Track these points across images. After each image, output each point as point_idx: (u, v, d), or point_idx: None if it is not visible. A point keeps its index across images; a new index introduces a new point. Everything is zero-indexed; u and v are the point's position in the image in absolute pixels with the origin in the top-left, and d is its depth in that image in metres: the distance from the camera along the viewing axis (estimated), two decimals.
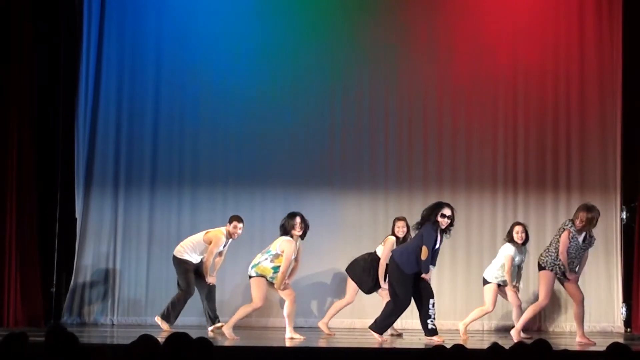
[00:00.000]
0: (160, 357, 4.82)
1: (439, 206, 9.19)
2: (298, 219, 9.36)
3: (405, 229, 10.13)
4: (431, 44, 11.43)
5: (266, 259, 9.33)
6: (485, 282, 9.94)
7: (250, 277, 9.38)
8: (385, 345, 9.01)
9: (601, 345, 8.55)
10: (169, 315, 10.13)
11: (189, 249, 10.21)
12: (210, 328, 10.10)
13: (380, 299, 10.13)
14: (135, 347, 4.86)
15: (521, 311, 9.84)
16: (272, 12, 11.47)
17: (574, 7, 11.42)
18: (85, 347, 5.13)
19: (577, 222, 9.13)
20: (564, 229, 9.17)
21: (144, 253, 11.26)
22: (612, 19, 11.34)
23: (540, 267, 9.27)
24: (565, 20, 11.42)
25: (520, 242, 9.85)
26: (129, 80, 11.40)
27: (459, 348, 5.06)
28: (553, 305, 10.94)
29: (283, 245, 9.31)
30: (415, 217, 10.55)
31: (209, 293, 10.24)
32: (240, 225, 10.21)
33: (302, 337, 9.31)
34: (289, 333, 9.37)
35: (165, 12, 11.46)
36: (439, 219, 9.09)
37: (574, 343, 9.22)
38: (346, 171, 11.38)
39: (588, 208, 9.17)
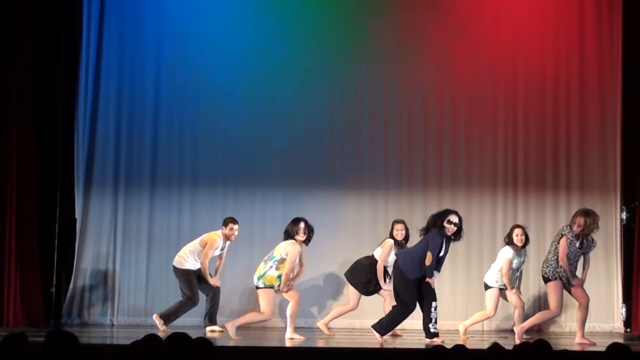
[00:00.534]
0: (163, 357, 4.82)
1: (446, 213, 9.17)
2: (302, 225, 9.34)
3: (404, 232, 10.11)
4: (431, 44, 11.43)
5: (271, 267, 9.28)
6: (486, 286, 9.92)
7: (258, 287, 9.36)
8: (385, 346, 9.01)
9: (601, 345, 8.54)
10: (169, 317, 10.14)
11: (188, 256, 10.19)
12: (208, 329, 10.11)
13: (381, 300, 10.14)
14: (140, 347, 4.85)
15: (524, 311, 9.83)
16: (272, 12, 11.46)
17: (574, 7, 11.42)
18: (85, 347, 5.12)
19: (575, 227, 9.07)
20: (562, 235, 9.10)
21: (143, 253, 11.26)
22: (612, 19, 11.33)
23: (545, 280, 9.20)
24: (565, 20, 11.42)
25: (520, 244, 9.83)
26: (128, 80, 11.40)
27: (459, 348, 5.06)
28: None
29: (288, 248, 9.28)
30: (415, 218, 10.61)
31: (214, 296, 10.24)
32: (236, 226, 10.18)
33: (302, 338, 9.31)
34: (289, 333, 9.37)
35: (165, 12, 11.46)
36: (446, 225, 9.07)
37: (574, 343, 9.20)
38: (346, 171, 11.38)
39: (585, 213, 9.11)
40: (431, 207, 10.82)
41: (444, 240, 9.12)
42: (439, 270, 9.30)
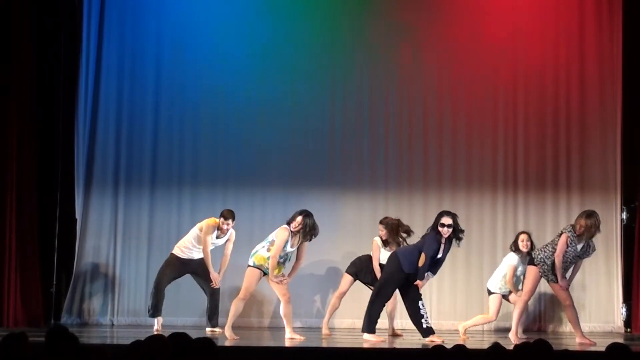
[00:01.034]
0: (167, 357, 4.80)
1: (439, 215, 9.19)
2: (299, 218, 9.35)
3: (384, 231, 10.08)
4: (431, 44, 11.43)
5: (263, 247, 9.37)
6: (489, 292, 9.90)
7: (248, 265, 9.40)
8: (385, 346, 9.00)
9: (601, 345, 8.54)
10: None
11: (194, 244, 10.16)
12: (208, 329, 10.11)
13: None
14: (144, 346, 4.84)
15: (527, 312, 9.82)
16: (272, 12, 11.47)
17: (574, 7, 11.42)
18: (85, 347, 5.11)
19: (577, 227, 9.07)
20: (563, 232, 9.13)
21: (144, 253, 11.26)
22: (612, 19, 11.33)
23: (531, 261, 9.23)
24: (565, 20, 11.42)
25: (525, 250, 9.77)
26: (128, 80, 11.40)
27: (459, 348, 5.05)
28: (553, 306, 10.94)
29: (278, 232, 9.36)
30: (415, 217, 10.64)
31: (213, 294, 10.23)
32: (228, 221, 10.09)
33: (302, 337, 9.31)
34: (288, 333, 9.37)
35: (165, 12, 11.47)
36: (439, 228, 9.08)
37: (574, 343, 9.20)
38: (346, 171, 11.38)
39: (588, 214, 9.09)
40: (431, 207, 10.86)
41: (443, 243, 9.12)
42: (434, 273, 9.31)
